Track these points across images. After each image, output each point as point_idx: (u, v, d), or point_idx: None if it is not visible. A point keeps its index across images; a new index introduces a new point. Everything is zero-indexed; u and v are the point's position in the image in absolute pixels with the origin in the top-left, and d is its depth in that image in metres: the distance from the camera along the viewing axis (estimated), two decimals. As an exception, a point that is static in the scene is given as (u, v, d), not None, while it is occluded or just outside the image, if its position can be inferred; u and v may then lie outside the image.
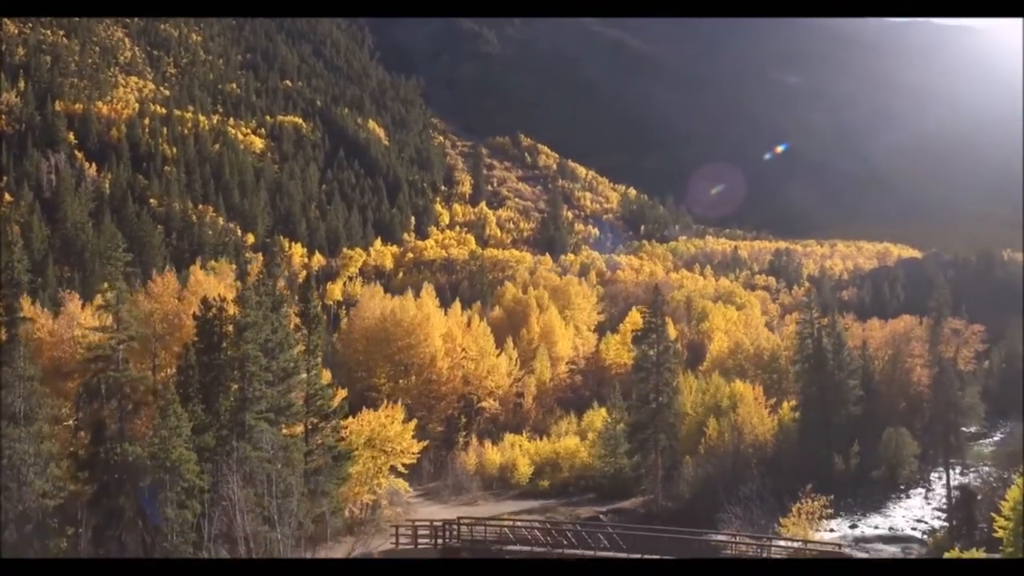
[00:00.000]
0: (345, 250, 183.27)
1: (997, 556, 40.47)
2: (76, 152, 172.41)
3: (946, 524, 57.35)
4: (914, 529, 60.14)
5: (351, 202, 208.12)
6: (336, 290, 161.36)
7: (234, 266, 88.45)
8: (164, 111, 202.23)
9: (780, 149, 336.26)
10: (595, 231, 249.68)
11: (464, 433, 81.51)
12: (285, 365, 45.04)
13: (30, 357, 36.48)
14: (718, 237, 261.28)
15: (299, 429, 48.26)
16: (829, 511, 48.40)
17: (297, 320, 50.32)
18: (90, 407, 40.53)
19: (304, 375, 47.46)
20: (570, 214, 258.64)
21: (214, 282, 53.79)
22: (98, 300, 42.36)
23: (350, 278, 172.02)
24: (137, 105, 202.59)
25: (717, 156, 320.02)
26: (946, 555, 44.37)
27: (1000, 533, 40.81)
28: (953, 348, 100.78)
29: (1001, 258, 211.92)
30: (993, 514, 42.07)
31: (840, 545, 44.98)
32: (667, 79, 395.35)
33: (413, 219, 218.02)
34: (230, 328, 42.57)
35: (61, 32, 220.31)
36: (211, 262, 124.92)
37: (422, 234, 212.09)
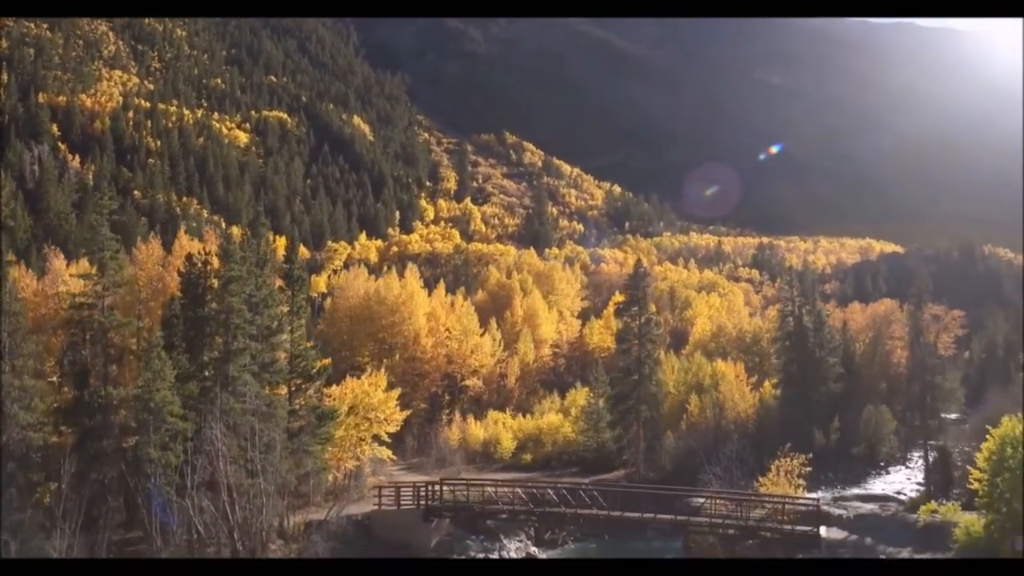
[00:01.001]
0: (330, 243, 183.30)
1: (979, 527, 40.86)
2: (59, 144, 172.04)
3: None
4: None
5: (336, 197, 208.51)
6: (321, 282, 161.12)
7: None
8: (148, 105, 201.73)
9: (774, 150, 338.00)
10: (580, 227, 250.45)
11: (447, 411, 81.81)
12: (269, 323, 45.33)
13: (14, 293, 36.65)
14: (702, 234, 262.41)
15: (283, 390, 48.53)
16: (808, 469, 48.84)
17: (281, 283, 50.62)
18: (74, 361, 40.67)
19: (287, 335, 47.73)
20: (555, 210, 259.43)
21: (199, 246, 53.91)
22: (84, 251, 42.56)
23: (335, 271, 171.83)
24: (121, 98, 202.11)
25: (701, 156, 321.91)
26: (922, 509, 45.10)
27: (975, 485, 41.42)
28: (933, 333, 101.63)
29: (982, 253, 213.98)
30: (969, 467, 42.70)
31: (818, 501, 45.50)
32: (652, 79, 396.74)
33: (398, 214, 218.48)
34: (215, 282, 42.90)
35: (45, 25, 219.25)
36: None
37: (407, 229, 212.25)
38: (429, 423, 78.38)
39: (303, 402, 49.09)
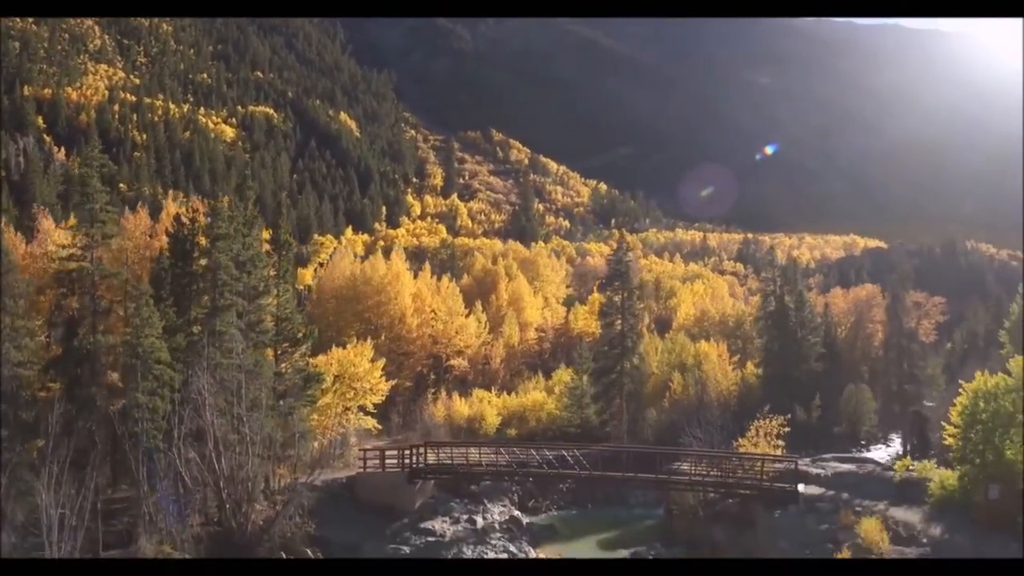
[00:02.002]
0: (316, 236, 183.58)
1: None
2: (45, 136, 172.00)
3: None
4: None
5: (322, 191, 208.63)
6: (307, 275, 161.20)
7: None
8: (134, 99, 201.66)
9: (770, 151, 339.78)
10: (566, 223, 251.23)
11: (433, 390, 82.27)
12: (256, 284, 45.73)
13: (3, 235, 37.04)
14: (688, 230, 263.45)
15: (269, 353, 48.95)
16: (787, 430, 49.58)
17: (268, 247, 51.12)
18: (63, 316, 41.08)
19: (274, 298, 48.19)
20: (541, 207, 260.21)
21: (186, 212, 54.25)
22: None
23: (321, 264, 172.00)
24: (107, 92, 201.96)
25: (689, 155, 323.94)
26: (897, 465, 45.96)
27: (950, 441, 42.31)
28: (915, 319, 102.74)
29: (964, 248, 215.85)
30: (943, 423, 43.53)
31: (797, 459, 46.22)
32: (639, 77, 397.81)
33: (384, 209, 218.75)
34: (202, 240, 43.38)
35: (30, 19, 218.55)
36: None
37: (393, 224, 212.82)
38: (414, 401, 78.80)
39: (289, 365, 49.54)
